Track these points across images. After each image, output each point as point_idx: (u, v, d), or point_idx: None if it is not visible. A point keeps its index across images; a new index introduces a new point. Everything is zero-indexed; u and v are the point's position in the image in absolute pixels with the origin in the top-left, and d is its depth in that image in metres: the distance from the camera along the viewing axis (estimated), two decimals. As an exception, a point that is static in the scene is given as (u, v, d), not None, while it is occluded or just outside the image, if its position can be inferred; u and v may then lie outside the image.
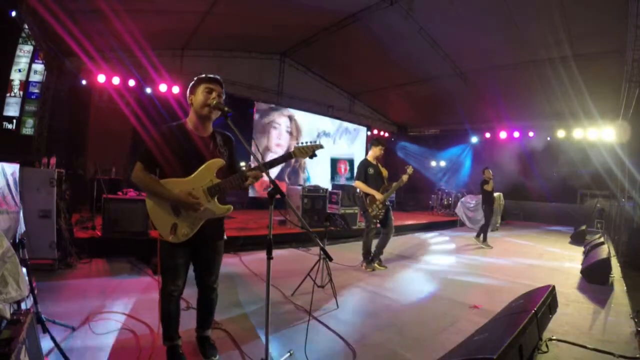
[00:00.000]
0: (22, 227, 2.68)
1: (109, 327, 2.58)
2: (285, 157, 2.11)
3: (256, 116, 10.43)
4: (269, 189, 1.82)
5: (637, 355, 2.45)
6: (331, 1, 7.40)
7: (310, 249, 5.92)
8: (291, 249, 5.92)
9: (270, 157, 6.52)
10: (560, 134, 10.57)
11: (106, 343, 2.34)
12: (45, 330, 2.13)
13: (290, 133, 11.17)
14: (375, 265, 4.82)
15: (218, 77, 2.07)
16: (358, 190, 4.87)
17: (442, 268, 5.21)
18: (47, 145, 7.40)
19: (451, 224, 10.45)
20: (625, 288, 4.33)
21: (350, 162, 12.92)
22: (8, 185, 2.57)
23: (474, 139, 13.12)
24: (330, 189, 7.97)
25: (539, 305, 2.44)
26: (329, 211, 7.18)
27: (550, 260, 6.19)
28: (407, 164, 4.95)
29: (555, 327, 2.89)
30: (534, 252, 6.83)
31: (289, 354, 2.28)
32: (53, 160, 4.28)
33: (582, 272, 4.86)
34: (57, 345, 2.04)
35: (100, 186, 5.80)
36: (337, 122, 12.58)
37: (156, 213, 2.00)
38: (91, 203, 6.27)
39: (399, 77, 10.57)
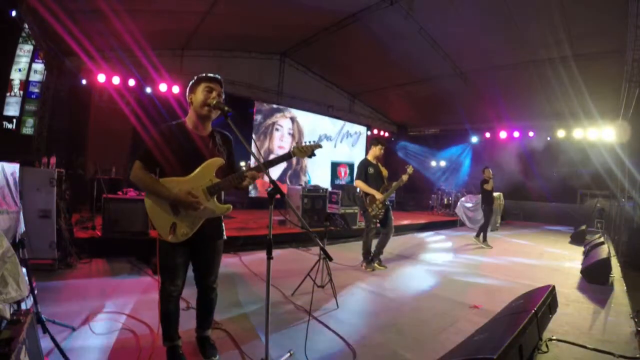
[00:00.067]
0: (22, 227, 2.67)
1: (109, 327, 2.57)
2: (285, 157, 2.12)
3: (259, 117, 10.45)
4: (269, 189, 1.82)
5: (637, 355, 2.45)
6: (331, 1, 7.40)
7: (310, 248, 5.92)
8: (291, 249, 5.92)
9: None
10: (560, 134, 10.57)
11: (106, 343, 2.33)
12: (45, 330, 2.13)
13: (293, 135, 11.21)
14: (375, 265, 4.82)
15: (218, 76, 2.07)
16: (358, 189, 4.88)
17: (442, 268, 5.21)
18: (47, 145, 7.40)
19: (451, 223, 10.44)
20: (625, 288, 4.33)
21: (351, 166, 12.93)
22: (8, 185, 2.57)
23: (474, 139, 13.11)
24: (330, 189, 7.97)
25: (539, 305, 2.44)
26: (328, 211, 7.18)
27: (550, 260, 6.18)
28: (407, 164, 4.95)
29: (555, 327, 2.88)
30: (534, 252, 6.82)
31: (289, 354, 2.28)
32: (53, 160, 4.27)
33: (582, 272, 4.86)
34: (57, 345, 2.04)
35: (100, 186, 5.79)
36: (339, 125, 12.59)
37: (155, 212, 1.99)
38: (91, 203, 6.27)
39: (399, 77, 10.57)
